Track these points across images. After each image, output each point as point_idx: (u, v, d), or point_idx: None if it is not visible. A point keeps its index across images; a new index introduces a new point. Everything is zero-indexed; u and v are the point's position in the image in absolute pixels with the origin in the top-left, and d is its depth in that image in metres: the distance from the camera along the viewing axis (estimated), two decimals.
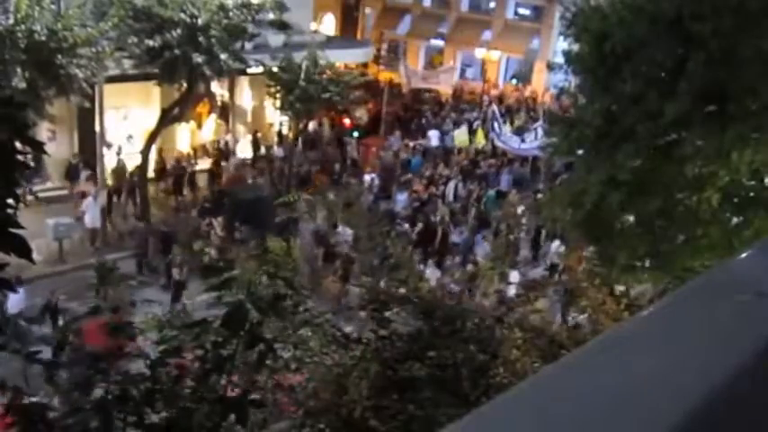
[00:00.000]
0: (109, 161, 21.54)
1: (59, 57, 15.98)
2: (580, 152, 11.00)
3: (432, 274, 15.73)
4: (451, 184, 23.85)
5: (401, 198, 22.60)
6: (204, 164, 24.69)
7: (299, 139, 26.63)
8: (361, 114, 30.05)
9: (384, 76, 35.59)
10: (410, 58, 39.77)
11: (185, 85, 19.32)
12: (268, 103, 25.69)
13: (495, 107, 27.97)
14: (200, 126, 26.30)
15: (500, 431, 0.89)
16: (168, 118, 20.35)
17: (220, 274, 4.04)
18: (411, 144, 28.05)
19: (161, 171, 22.53)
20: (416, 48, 43.20)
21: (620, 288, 10.73)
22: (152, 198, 21.04)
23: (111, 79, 19.50)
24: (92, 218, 18.99)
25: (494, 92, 37.61)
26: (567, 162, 17.10)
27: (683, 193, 9.82)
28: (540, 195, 21.26)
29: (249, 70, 21.55)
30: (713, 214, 9.52)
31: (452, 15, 42.18)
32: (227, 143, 26.08)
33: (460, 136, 27.70)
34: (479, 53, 38.10)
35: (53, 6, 16.47)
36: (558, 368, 1.08)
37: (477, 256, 18.48)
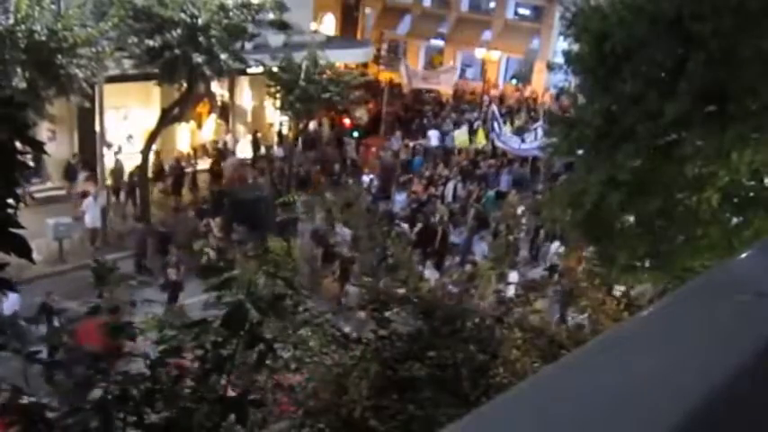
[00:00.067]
0: (108, 161, 21.56)
1: (59, 57, 15.98)
2: (580, 152, 11.00)
3: (431, 274, 15.72)
4: (451, 185, 23.86)
5: (399, 198, 22.62)
6: (204, 164, 24.71)
7: (299, 139, 26.64)
8: (361, 114, 30.06)
9: (384, 76, 35.61)
10: (410, 58, 39.78)
11: (185, 85, 19.32)
12: (268, 103, 25.70)
13: (494, 107, 27.98)
14: (200, 126, 26.32)
15: (500, 431, 0.89)
16: (168, 118, 20.36)
17: (220, 274, 4.04)
18: (411, 144, 28.07)
19: (158, 171, 22.53)
20: (416, 48, 43.22)
21: (620, 288, 10.73)
22: (151, 198, 21.05)
23: (111, 79, 19.51)
24: (92, 218, 18.99)
25: (494, 92, 37.63)
26: (567, 162, 17.10)
27: (683, 193, 9.81)
28: (539, 196, 21.27)
29: (249, 70, 21.55)
30: (713, 214, 9.52)
31: (452, 15, 42.20)
32: (225, 143, 26.08)
33: (461, 136, 27.72)
34: (479, 53, 38.12)
35: (53, 6, 16.47)
36: (558, 368, 1.08)
37: (476, 257, 18.48)
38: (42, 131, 19.29)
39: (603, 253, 10.79)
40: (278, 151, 26.59)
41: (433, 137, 28.78)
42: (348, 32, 40.24)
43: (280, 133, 27.96)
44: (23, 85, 15.22)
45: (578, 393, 0.93)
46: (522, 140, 25.14)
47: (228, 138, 26.40)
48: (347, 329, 7.68)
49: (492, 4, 41.71)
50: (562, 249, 18.18)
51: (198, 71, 18.43)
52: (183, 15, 17.79)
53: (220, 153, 25.37)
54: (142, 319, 7.28)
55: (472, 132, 27.94)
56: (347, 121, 29.06)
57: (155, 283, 16.30)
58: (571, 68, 10.92)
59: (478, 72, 40.12)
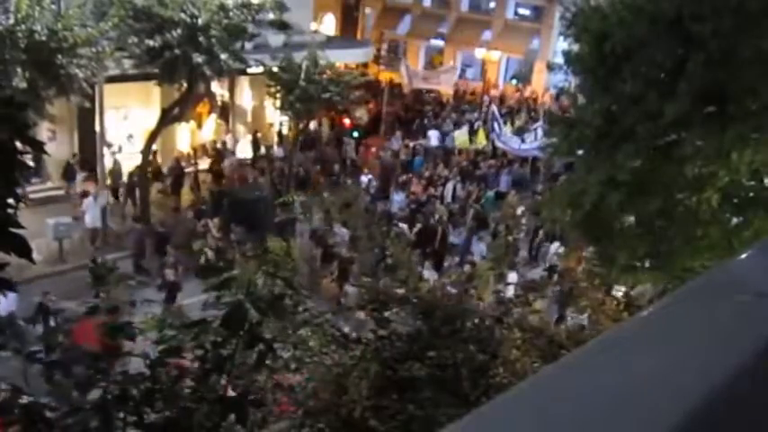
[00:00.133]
0: (107, 161, 21.57)
1: (60, 57, 15.98)
2: (580, 152, 11.00)
3: (429, 275, 15.71)
4: (450, 185, 23.86)
5: (398, 198, 22.61)
6: (204, 164, 24.73)
7: (300, 140, 26.66)
8: (361, 114, 30.06)
9: (384, 76, 35.61)
10: (410, 58, 39.80)
11: (185, 85, 19.32)
12: (268, 103, 25.70)
13: (494, 107, 27.98)
14: (200, 126, 26.32)
15: (500, 431, 0.89)
16: (168, 118, 20.36)
17: (219, 275, 4.04)
18: (411, 144, 28.07)
19: (156, 172, 22.52)
20: (416, 48, 43.24)
21: (620, 289, 10.73)
22: (150, 198, 21.04)
23: (112, 79, 19.52)
24: (92, 218, 18.99)
25: (494, 92, 37.63)
26: (567, 163, 17.10)
27: (683, 193, 9.81)
28: (539, 196, 21.27)
29: (249, 70, 21.55)
30: (713, 214, 9.52)
31: (452, 15, 42.20)
32: (224, 143, 26.08)
33: (461, 137, 27.73)
34: (479, 53, 38.13)
35: (53, 6, 16.47)
36: (558, 368, 1.08)
37: (474, 257, 18.48)
38: (42, 131, 19.29)
39: (603, 253, 10.79)
40: (278, 151, 26.60)
41: (433, 137, 28.79)
42: (348, 32, 40.24)
43: (280, 133, 27.96)
44: (24, 85, 15.22)
45: (578, 393, 0.93)
46: (523, 141, 25.15)
47: (228, 138, 26.40)
48: (347, 329, 7.68)
49: (492, 4, 41.72)
50: (562, 250, 18.19)
51: (198, 71, 18.43)
52: (183, 15, 17.78)
53: (219, 153, 25.38)
54: (141, 320, 7.28)
55: (472, 133, 27.95)
56: (347, 121, 29.07)
57: (152, 284, 16.31)
58: (571, 69, 10.92)
59: (478, 72, 40.13)
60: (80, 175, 21.15)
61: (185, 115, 21.87)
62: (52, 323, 10.39)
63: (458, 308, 7.74)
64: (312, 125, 27.80)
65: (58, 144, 20.77)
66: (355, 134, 28.62)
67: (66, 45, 16.06)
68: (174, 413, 3.73)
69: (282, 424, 6.71)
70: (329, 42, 25.72)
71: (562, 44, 13.62)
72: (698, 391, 0.91)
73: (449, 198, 23.40)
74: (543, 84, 38.11)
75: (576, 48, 10.55)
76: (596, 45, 9.81)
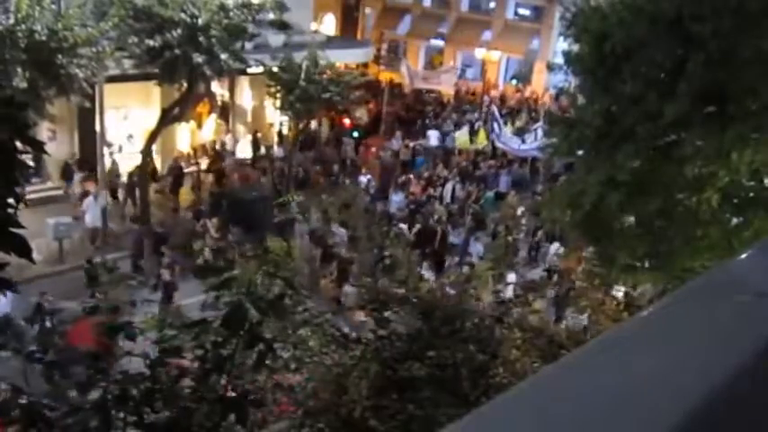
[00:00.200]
0: (106, 161, 21.55)
1: (60, 56, 15.98)
2: (580, 153, 11.00)
3: (429, 275, 15.71)
4: (449, 186, 23.84)
5: (396, 199, 22.59)
6: (204, 164, 24.73)
7: (299, 140, 26.66)
8: (361, 114, 30.05)
9: (384, 76, 35.60)
10: (410, 58, 39.80)
11: (185, 84, 19.30)
12: (268, 103, 25.69)
13: (494, 108, 27.96)
14: (200, 126, 26.32)
15: (500, 431, 0.89)
16: (168, 118, 20.34)
17: (219, 275, 4.05)
18: (411, 144, 28.07)
19: (152, 172, 22.50)
20: (416, 48, 43.24)
21: (620, 289, 10.74)
22: (149, 198, 21.03)
23: (112, 79, 19.51)
24: (92, 217, 18.99)
25: (494, 92, 37.63)
26: (567, 163, 17.10)
27: (683, 193, 9.81)
28: (538, 197, 21.26)
29: (249, 70, 21.54)
30: (713, 215, 9.52)
31: (452, 15, 42.20)
32: (223, 144, 26.07)
33: (461, 137, 27.73)
34: (479, 53, 38.11)
35: (53, 6, 16.46)
36: (558, 368, 1.08)
37: (472, 258, 18.47)
38: (43, 131, 19.29)
39: (603, 253, 10.79)
40: (278, 151, 26.60)
41: (433, 137, 28.78)
42: (348, 32, 40.23)
43: (280, 133, 27.96)
44: (24, 84, 15.22)
45: (578, 393, 0.93)
46: (523, 141, 25.13)
47: (228, 138, 26.39)
48: (346, 329, 7.68)
49: (492, 5, 41.72)
50: (562, 250, 18.19)
51: (198, 71, 18.42)
52: (183, 15, 17.77)
53: (217, 153, 25.38)
54: (140, 320, 7.28)
55: (473, 133, 27.94)
56: (347, 121, 29.06)
57: (148, 284, 16.30)
58: (571, 69, 10.92)
59: (478, 72, 40.13)
60: (78, 176, 21.14)
61: (185, 115, 21.86)
62: (48, 324, 10.40)
63: (458, 308, 7.74)
64: (312, 125, 27.81)
65: (58, 144, 20.76)
66: (355, 134, 28.61)
67: (67, 45, 16.06)
68: (174, 413, 3.73)
69: (282, 424, 6.71)
70: (329, 42, 25.71)
71: (562, 44, 13.62)
72: (698, 391, 0.91)
73: (448, 198, 23.39)
74: (543, 84, 38.10)
75: (575, 48, 10.55)
76: (596, 45, 9.81)
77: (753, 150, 8.79)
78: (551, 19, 35.43)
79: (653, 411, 0.89)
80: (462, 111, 34.08)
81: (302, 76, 22.34)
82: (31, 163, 16.70)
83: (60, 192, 21.41)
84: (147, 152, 20.41)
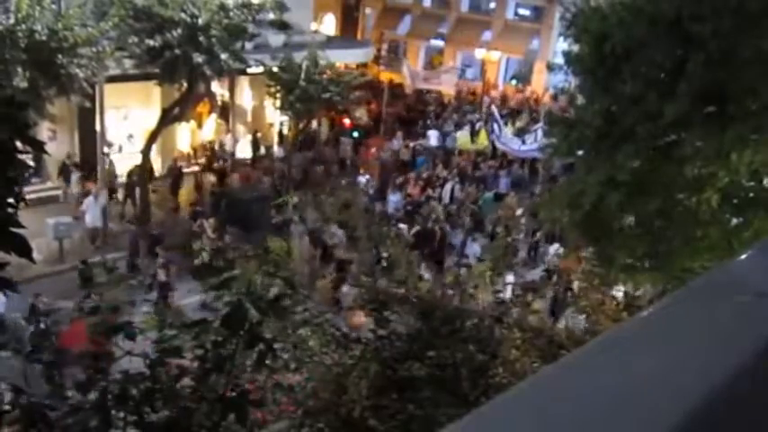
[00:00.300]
0: (107, 161, 21.56)
1: (60, 56, 15.99)
2: (580, 153, 10.99)
3: (428, 275, 15.69)
4: (448, 186, 23.82)
5: (394, 199, 22.57)
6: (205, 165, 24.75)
7: (299, 140, 26.66)
8: (361, 114, 30.03)
9: (384, 76, 35.60)
10: (410, 59, 39.83)
11: (185, 84, 19.32)
12: (268, 103, 25.71)
13: (494, 109, 27.94)
14: (200, 126, 26.32)
15: (499, 431, 0.89)
16: (168, 118, 20.36)
17: (219, 275, 4.05)
18: (411, 144, 28.06)
19: (149, 172, 22.49)
20: (416, 48, 43.25)
21: (620, 289, 10.72)
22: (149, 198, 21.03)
23: (112, 79, 19.52)
24: (92, 217, 18.99)
25: (494, 93, 37.63)
26: (566, 164, 17.09)
27: (683, 193, 9.81)
28: (537, 197, 21.24)
29: (249, 70, 21.57)
30: (712, 215, 9.52)
31: (452, 15, 42.21)
32: (221, 144, 26.07)
33: (462, 137, 27.72)
34: (479, 53, 38.12)
35: (54, 6, 16.48)
36: (558, 368, 1.08)
37: (467, 259, 18.46)
38: (43, 131, 19.30)
39: (602, 253, 10.78)
40: (278, 151, 26.61)
41: (432, 137, 28.77)
42: (348, 32, 40.24)
43: (280, 133, 27.96)
44: (24, 84, 15.23)
45: (578, 393, 0.93)
46: (523, 142, 25.10)
47: (228, 138, 26.40)
48: (346, 329, 7.68)
49: (492, 5, 41.73)
50: (561, 251, 18.17)
51: (198, 71, 18.43)
52: (183, 15, 17.79)
53: (213, 153, 25.37)
54: (137, 320, 7.28)
55: (474, 133, 27.92)
56: (347, 121, 29.06)
57: (144, 284, 16.28)
58: (571, 69, 10.91)
59: (478, 72, 40.14)
60: (75, 176, 21.14)
61: (185, 115, 21.88)
62: (42, 325, 10.40)
63: (457, 308, 7.75)
64: (313, 125, 27.82)
65: (58, 144, 20.77)
66: (355, 134, 28.60)
67: (67, 45, 16.07)
68: (174, 413, 3.74)
69: (282, 424, 6.71)
70: (329, 42, 25.72)
71: (562, 45, 13.62)
72: (698, 392, 0.91)
73: (447, 199, 23.37)
74: (543, 84, 38.10)
75: (575, 48, 10.55)
76: (596, 46, 9.81)
77: (752, 151, 8.79)
78: (551, 19, 35.43)
79: (653, 411, 0.89)
80: (463, 111, 34.06)
81: (302, 76, 22.36)
82: (32, 163, 16.75)
83: (60, 192, 21.41)
84: (147, 152, 20.43)
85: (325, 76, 23.00)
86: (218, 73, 19.29)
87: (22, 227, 3.33)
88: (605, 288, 10.36)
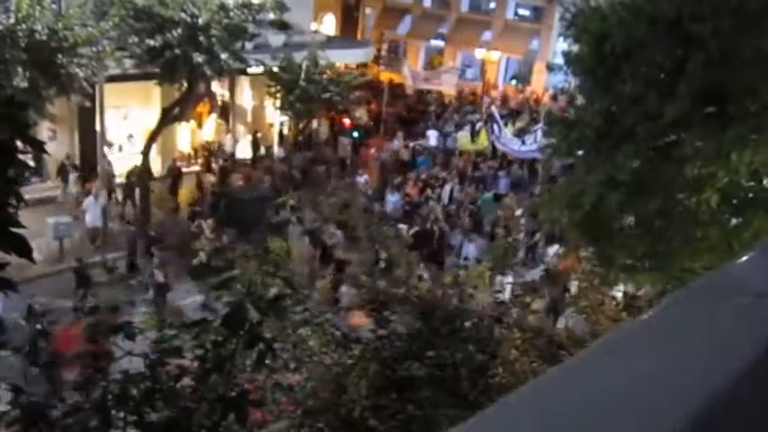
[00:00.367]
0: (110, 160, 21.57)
1: (60, 56, 16.00)
2: (579, 153, 10.99)
3: (427, 276, 15.67)
4: (448, 187, 23.81)
5: (392, 199, 22.56)
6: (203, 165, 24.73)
7: (299, 140, 26.67)
8: (361, 114, 30.03)
9: (385, 76, 35.60)
10: (410, 59, 39.83)
11: (186, 84, 19.32)
12: (268, 103, 25.71)
13: (494, 109, 27.93)
14: (200, 126, 26.32)
15: None
16: (168, 118, 20.36)
17: (218, 275, 4.05)
18: (411, 145, 28.06)
19: (148, 172, 22.46)
20: (416, 48, 43.25)
21: (620, 289, 10.72)
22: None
23: (112, 79, 19.53)
24: (92, 217, 18.99)
25: (494, 93, 37.62)
26: (565, 165, 17.08)
27: (683, 193, 9.81)
28: (537, 198, 21.22)
29: (249, 70, 21.57)
30: (712, 215, 9.52)
31: (452, 16, 42.21)
32: (219, 145, 26.07)
33: (463, 138, 27.72)
34: (479, 54, 38.11)
35: (54, 6, 16.48)
36: (562, 371, 1.08)
37: (464, 259, 18.46)
38: (43, 131, 19.31)
39: (602, 253, 10.78)
40: (278, 151, 26.61)
41: (432, 137, 28.76)
42: (348, 32, 40.24)
43: (280, 133, 27.96)
44: (24, 84, 15.24)
45: (580, 396, 0.94)
46: (523, 142, 25.08)
47: (228, 138, 26.40)
48: (345, 329, 7.68)
49: (492, 5, 41.72)
50: (561, 252, 18.16)
51: (198, 71, 18.43)
52: (183, 15, 17.79)
53: (211, 153, 25.37)
54: (136, 320, 7.27)
55: (474, 134, 27.91)
56: (347, 121, 29.06)
57: (143, 284, 16.28)
58: (571, 69, 10.91)
59: (478, 72, 40.15)
60: (73, 176, 21.14)
61: (185, 115, 21.89)
62: (39, 326, 10.39)
63: (457, 308, 7.75)
64: (314, 124, 27.82)
65: (58, 144, 20.78)
66: (355, 134, 28.61)
67: (67, 44, 16.07)
68: (174, 413, 3.74)
69: (282, 423, 6.71)
70: (329, 42, 25.73)
71: (562, 45, 13.62)
72: (699, 394, 0.91)
73: (446, 200, 23.35)
74: (543, 84, 38.10)
75: (575, 48, 10.55)
76: (596, 46, 9.81)
77: (752, 151, 8.79)
78: (551, 19, 35.43)
79: (655, 413, 0.89)
80: (464, 111, 34.05)
81: (302, 76, 22.37)
82: (32, 163, 16.76)
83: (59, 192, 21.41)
84: (147, 152, 20.43)
85: (325, 76, 23.01)
86: (218, 73, 19.29)
87: (23, 227, 3.33)
88: (605, 288, 10.36)
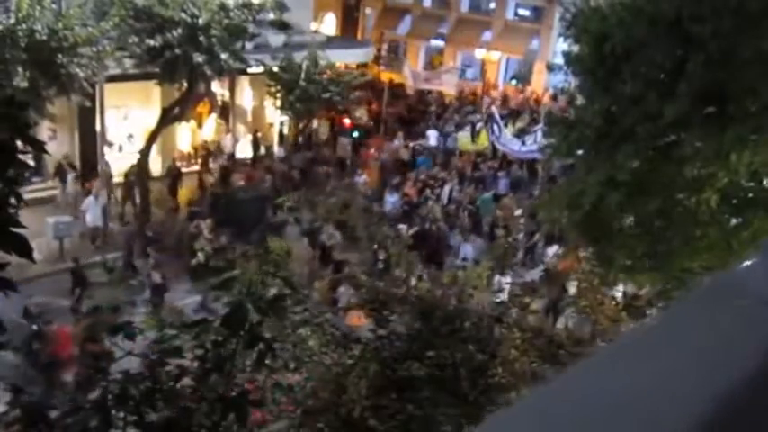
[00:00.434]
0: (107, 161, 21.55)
1: (60, 56, 16.00)
2: (579, 153, 11.00)
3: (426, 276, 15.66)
4: (447, 187, 23.80)
5: (391, 199, 22.55)
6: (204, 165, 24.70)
7: (299, 140, 26.67)
8: (361, 114, 30.03)
9: (385, 76, 35.60)
10: (410, 59, 39.82)
11: (186, 84, 19.32)
12: (268, 103, 25.72)
13: (494, 109, 27.91)
14: (200, 126, 26.32)
15: None
16: (168, 117, 20.36)
17: (218, 275, 4.05)
18: (411, 145, 28.05)
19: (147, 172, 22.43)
20: (416, 48, 43.25)
21: (619, 289, 10.73)
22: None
23: (112, 79, 19.53)
24: (93, 217, 18.99)
25: (494, 93, 37.61)
26: (565, 165, 17.08)
27: (682, 193, 9.82)
28: (536, 198, 21.21)
29: (249, 70, 21.56)
30: (712, 215, 9.52)
31: (452, 16, 42.21)
32: (218, 145, 26.07)
33: (463, 138, 27.70)
34: (479, 54, 38.11)
35: (54, 6, 16.48)
36: (566, 375, 1.08)
37: (465, 259, 18.45)
38: (43, 131, 19.30)
39: (602, 254, 10.79)
40: (278, 151, 26.61)
41: (432, 137, 28.75)
42: (348, 32, 40.24)
43: (280, 133, 27.97)
44: (24, 84, 15.24)
45: (583, 399, 0.94)
46: (523, 143, 25.04)
47: (228, 138, 26.40)
48: (345, 329, 7.69)
49: (492, 5, 41.72)
50: (561, 252, 18.16)
51: (198, 71, 18.43)
52: (183, 15, 17.78)
53: (209, 153, 25.38)
54: (138, 320, 7.27)
55: (475, 134, 27.89)
56: (347, 122, 29.05)
57: (143, 284, 16.27)
58: (571, 69, 10.92)
59: (478, 72, 40.15)
60: (71, 176, 21.13)
61: (185, 115, 21.87)
62: (35, 327, 10.41)
63: (457, 308, 7.75)
64: (314, 124, 27.82)
65: (58, 143, 20.77)
66: (355, 134, 28.60)
67: (67, 44, 16.07)
68: (174, 413, 3.74)
69: (282, 423, 6.72)
70: (329, 42, 25.74)
71: (562, 45, 13.63)
72: (701, 398, 0.91)
73: (445, 200, 23.34)
74: (543, 84, 38.10)
75: (575, 49, 10.56)
76: (596, 46, 9.81)
77: (752, 151, 8.79)
78: (551, 19, 35.42)
79: (657, 418, 0.89)
80: (464, 112, 34.04)
81: (302, 76, 22.38)
82: (32, 163, 16.75)
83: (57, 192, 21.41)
84: (147, 152, 20.43)
85: (325, 76, 23.02)
86: (219, 73, 19.28)
87: (23, 227, 3.33)
88: (605, 288, 10.37)
